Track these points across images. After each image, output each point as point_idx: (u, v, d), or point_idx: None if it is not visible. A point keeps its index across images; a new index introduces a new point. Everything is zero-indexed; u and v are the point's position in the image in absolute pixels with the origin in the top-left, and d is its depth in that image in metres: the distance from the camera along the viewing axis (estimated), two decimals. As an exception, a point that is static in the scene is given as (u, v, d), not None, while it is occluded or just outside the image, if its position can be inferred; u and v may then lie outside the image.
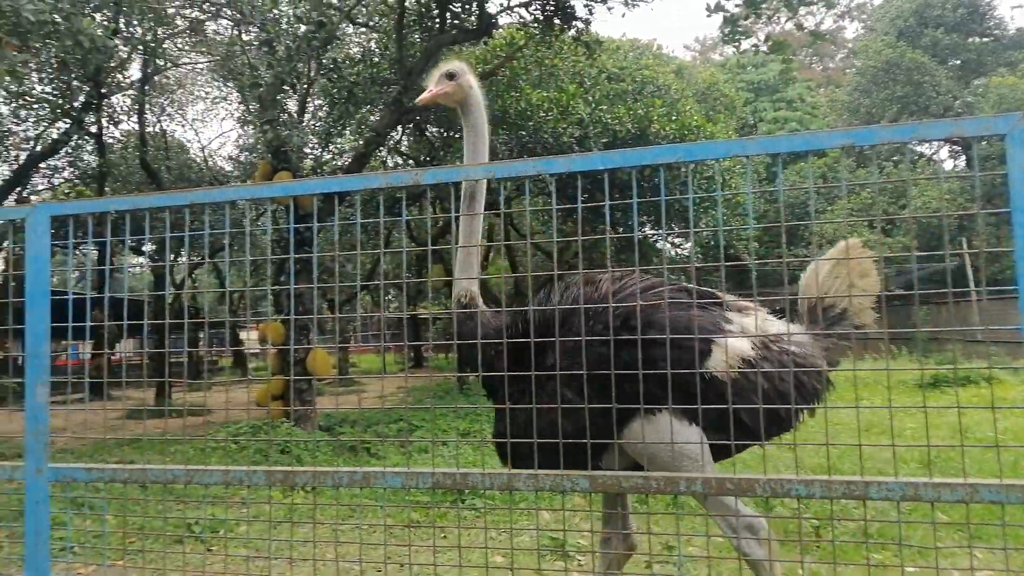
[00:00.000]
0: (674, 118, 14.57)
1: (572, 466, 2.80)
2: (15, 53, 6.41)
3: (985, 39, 34.62)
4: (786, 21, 10.06)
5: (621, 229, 14.93)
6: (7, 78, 7.67)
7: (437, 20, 12.06)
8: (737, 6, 10.32)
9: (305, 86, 12.82)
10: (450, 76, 3.39)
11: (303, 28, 9.68)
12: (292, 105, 13.68)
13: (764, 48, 10.57)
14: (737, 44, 10.55)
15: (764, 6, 10.00)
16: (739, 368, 2.97)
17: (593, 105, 14.33)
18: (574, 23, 12.97)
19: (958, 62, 33.78)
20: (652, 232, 16.79)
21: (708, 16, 11.04)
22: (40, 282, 3.29)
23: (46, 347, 3.31)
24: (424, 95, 3.44)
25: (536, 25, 13.22)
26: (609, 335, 2.91)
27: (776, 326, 3.24)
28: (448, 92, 3.39)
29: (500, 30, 14.73)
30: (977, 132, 2.55)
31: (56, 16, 5.79)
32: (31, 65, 7.78)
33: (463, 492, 7.02)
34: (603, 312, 2.99)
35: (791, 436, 3.10)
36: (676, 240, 21.13)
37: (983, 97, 29.52)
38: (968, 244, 17.91)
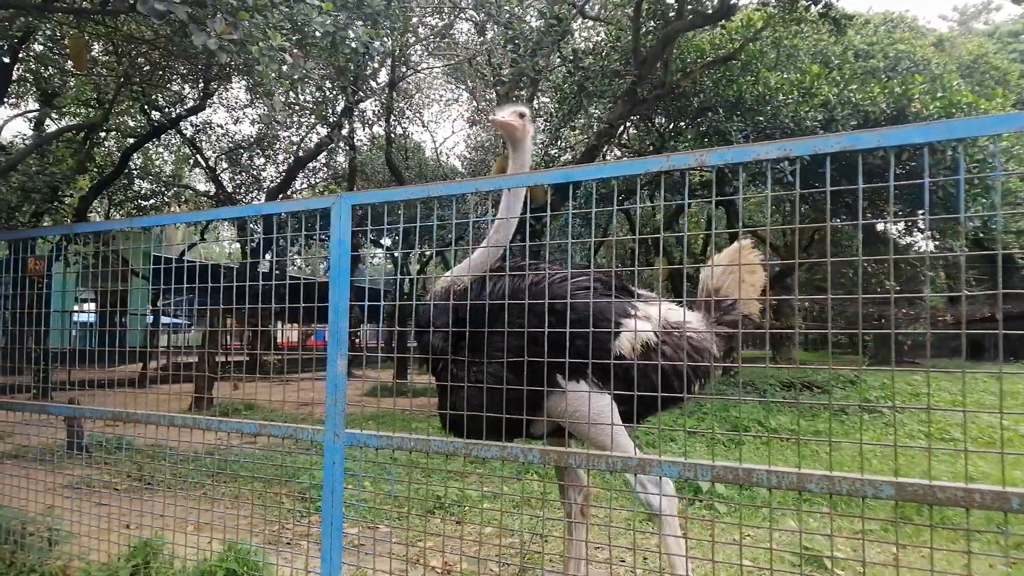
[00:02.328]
0: (939, 95, 12.95)
1: (509, 433, 3.42)
2: (302, 62, 7.16)
3: None
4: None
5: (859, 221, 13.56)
6: (279, 88, 8.55)
7: (674, 6, 11.76)
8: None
9: (535, 80, 13.15)
10: (521, 115, 3.86)
11: (542, 23, 9.91)
12: (524, 102, 14.11)
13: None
14: (1031, 3, 9.06)
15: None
16: (642, 349, 3.50)
17: (841, 85, 13.18)
18: (821, -1, 12.05)
19: None
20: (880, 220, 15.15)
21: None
22: (342, 263, 3.61)
23: (345, 322, 3.63)
24: (498, 117, 3.83)
25: (778, 3, 12.42)
26: (539, 319, 3.28)
27: (678, 315, 3.73)
28: (516, 126, 3.81)
29: (737, 12, 14.07)
30: None
31: (337, 27, 6.39)
32: (310, 75, 8.73)
33: (700, 490, 6.79)
34: (533, 300, 3.40)
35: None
36: (932, 232, 18.86)
37: None
38: None
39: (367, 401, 11.97)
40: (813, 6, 12.49)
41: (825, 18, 12.87)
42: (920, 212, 13.56)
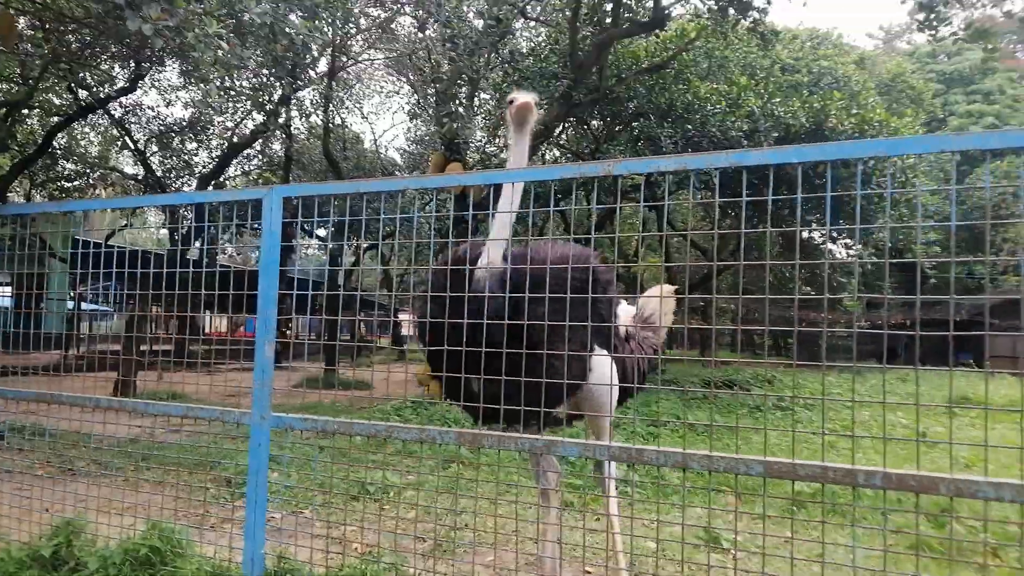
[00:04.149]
0: (854, 112, 13.75)
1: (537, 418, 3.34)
2: (239, 50, 7.19)
3: None
4: (992, 6, 9.21)
5: (784, 227, 14.25)
6: (215, 74, 8.51)
7: (610, 13, 12.14)
8: (936, -9, 9.60)
9: (475, 79, 13.39)
10: (537, 104, 4.02)
11: (481, 23, 10.12)
12: (463, 99, 14.30)
13: (964, 36, 9.74)
14: (933, 32, 9.78)
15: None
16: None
17: (765, 98, 13.83)
18: (751, 12, 12.59)
19: None
20: (817, 229, 15.99)
21: (902, 2, 10.32)
22: (272, 253, 3.77)
23: (274, 310, 3.79)
24: (525, 99, 3.86)
25: (710, 16, 12.95)
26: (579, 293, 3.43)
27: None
28: (532, 108, 3.84)
29: (671, 22, 14.56)
30: None
31: (276, 18, 6.47)
32: (246, 62, 8.70)
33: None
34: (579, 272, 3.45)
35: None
36: (847, 241, 19.93)
37: None
38: None
39: (297, 393, 11.97)
40: (743, 20, 13.06)
41: (753, 33, 13.49)
42: (841, 222, 14.33)
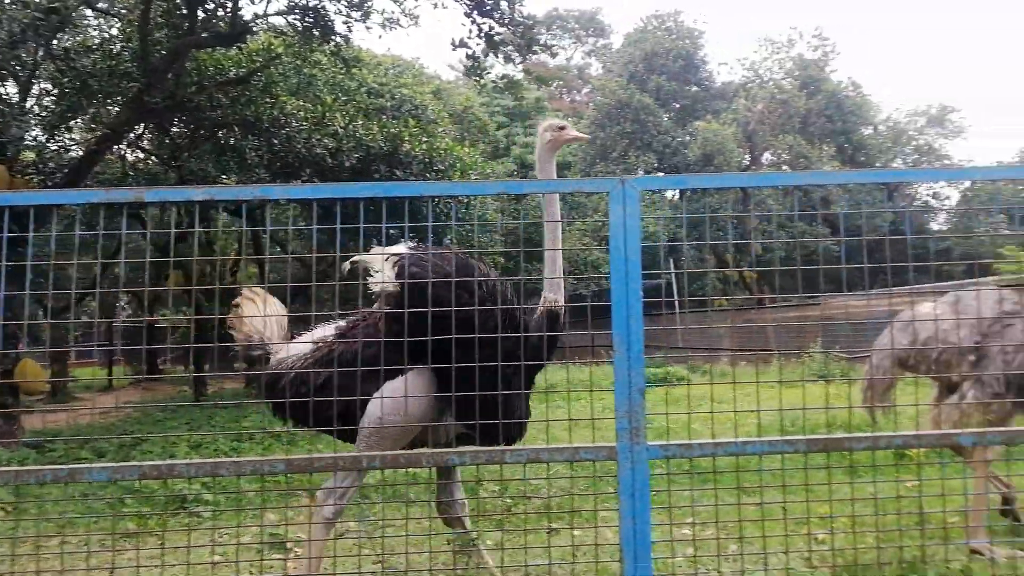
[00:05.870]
0: (425, 139, 15.32)
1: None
2: None
3: (698, 88, 40.27)
4: (519, 64, 11.33)
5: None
6: None
7: (186, 20, 11.70)
8: (478, 44, 11.42)
9: (28, 72, 11.78)
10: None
11: (28, 12, 8.97)
12: (12, 90, 12.39)
13: (500, 85, 11.75)
14: (478, 79, 11.63)
15: (500, 48, 11.20)
16: None
17: (349, 119, 14.63)
18: (332, 38, 13.21)
19: (677, 106, 38.87)
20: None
21: (453, 50, 12.06)
22: None
23: None
24: (579, 134, 4.35)
25: (294, 36, 13.30)
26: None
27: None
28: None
29: (258, 34, 14.56)
30: (594, 189, 3.50)
31: None
32: None
33: (186, 500, 6.85)
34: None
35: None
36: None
37: (694, 138, 34.38)
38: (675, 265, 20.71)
39: None
40: (325, 44, 13.65)
41: (336, 57, 14.22)
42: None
